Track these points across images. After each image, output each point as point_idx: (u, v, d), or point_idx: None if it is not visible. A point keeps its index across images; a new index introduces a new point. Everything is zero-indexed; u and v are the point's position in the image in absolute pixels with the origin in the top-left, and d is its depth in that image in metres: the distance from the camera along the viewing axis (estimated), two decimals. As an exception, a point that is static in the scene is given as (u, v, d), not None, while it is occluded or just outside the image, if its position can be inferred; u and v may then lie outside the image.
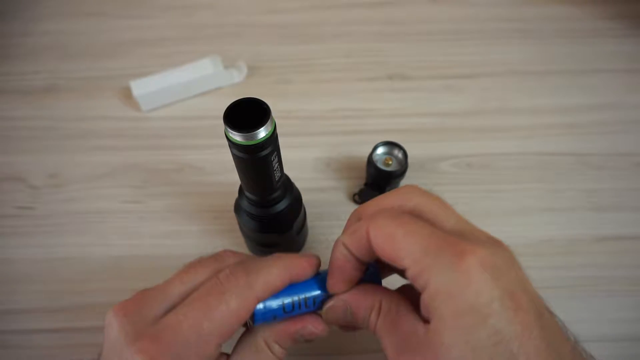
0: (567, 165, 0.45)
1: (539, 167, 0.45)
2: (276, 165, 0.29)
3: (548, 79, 0.52)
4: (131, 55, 0.55)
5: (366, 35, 0.57)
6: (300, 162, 0.45)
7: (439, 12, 0.59)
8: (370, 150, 0.41)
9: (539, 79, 0.52)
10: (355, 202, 0.42)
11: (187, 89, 0.50)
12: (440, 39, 0.56)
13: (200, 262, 0.26)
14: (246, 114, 0.26)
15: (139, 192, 0.43)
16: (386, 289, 0.25)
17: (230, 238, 0.40)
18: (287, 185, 0.34)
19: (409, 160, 0.40)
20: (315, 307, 0.26)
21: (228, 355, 0.25)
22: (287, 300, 0.25)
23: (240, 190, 0.33)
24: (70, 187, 0.44)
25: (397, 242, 0.21)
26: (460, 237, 0.21)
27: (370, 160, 0.40)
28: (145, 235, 0.41)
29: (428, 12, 0.59)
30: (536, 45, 0.55)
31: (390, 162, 0.40)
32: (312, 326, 0.25)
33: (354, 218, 0.26)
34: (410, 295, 0.23)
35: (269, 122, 0.25)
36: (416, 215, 0.23)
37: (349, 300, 0.24)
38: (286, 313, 0.25)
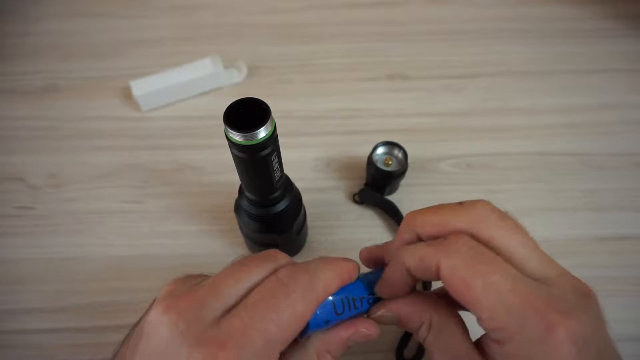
0: (567, 165, 0.45)
1: (539, 167, 0.45)
2: (276, 165, 0.29)
3: (548, 79, 0.52)
4: (131, 55, 0.55)
5: (366, 35, 0.57)
6: (300, 162, 0.45)
7: (439, 12, 0.59)
8: (370, 150, 0.41)
9: (539, 79, 0.52)
10: (355, 202, 0.42)
11: (187, 89, 0.50)
12: (440, 39, 0.56)
13: (252, 260, 0.24)
14: (246, 114, 0.25)
15: (139, 192, 0.43)
16: (438, 301, 0.24)
17: (230, 238, 0.40)
18: (287, 185, 0.34)
19: (409, 160, 0.40)
20: (363, 309, 0.25)
21: None
22: (337, 300, 0.23)
23: (240, 190, 0.33)
24: (70, 187, 0.44)
25: (475, 293, 0.20)
26: (547, 296, 0.19)
27: (370, 160, 0.40)
28: (145, 235, 0.41)
29: (428, 12, 0.59)
30: (536, 45, 0.55)
31: (390, 162, 0.40)
32: (366, 329, 0.24)
33: (409, 230, 0.24)
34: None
35: (269, 122, 0.25)
36: (494, 252, 0.21)
37: (398, 312, 0.24)
38: (338, 315, 0.23)
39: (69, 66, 0.54)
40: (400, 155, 0.41)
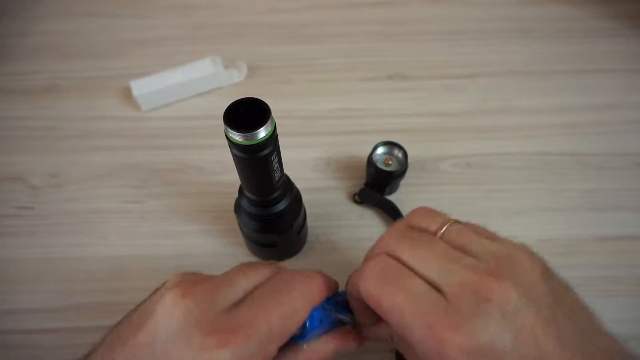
0: (567, 165, 0.45)
1: (539, 167, 0.45)
2: (276, 165, 0.29)
3: (548, 79, 0.52)
4: (131, 55, 0.55)
5: (366, 35, 0.57)
6: (300, 162, 0.45)
7: (439, 12, 0.59)
8: (370, 150, 0.41)
9: (539, 79, 0.52)
10: (355, 202, 0.42)
11: (187, 89, 0.50)
12: (440, 39, 0.56)
13: (260, 263, 0.26)
14: (246, 114, 0.25)
15: (139, 192, 0.43)
16: None
17: (230, 238, 0.40)
18: (287, 185, 0.34)
19: (409, 160, 0.40)
20: (343, 324, 0.27)
21: None
22: (328, 304, 0.26)
23: (240, 190, 0.33)
24: (70, 187, 0.44)
25: (384, 312, 0.22)
26: (441, 314, 0.20)
27: (370, 161, 0.40)
28: (145, 235, 0.41)
29: (428, 12, 0.59)
30: (536, 45, 0.55)
31: (390, 162, 0.40)
32: (354, 341, 0.27)
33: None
34: None
35: (269, 122, 0.25)
36: (407, 268, 0.22)
37: (371, 336, 0.27)
38: (329, 316, 0.26)
39: (69, 66, 0.54)
40: (400, 155, 0.41)
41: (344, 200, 0.43)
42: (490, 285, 0.20)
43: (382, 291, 0.22)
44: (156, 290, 0.24)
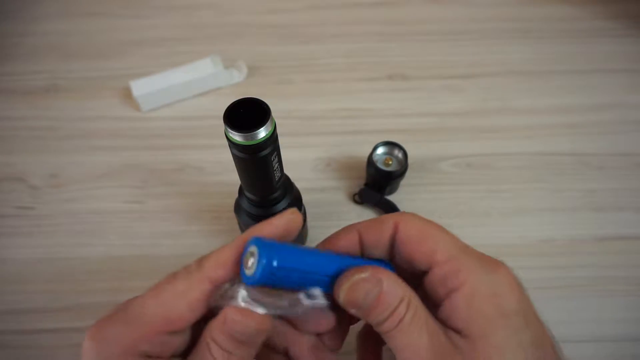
0: (567, 165, 0.45)
1: (539, 167, 0.45)
2: (276, 165, 0.29)
3: (548, 79, 0.52)
4: (131, 55, 0.55)
5: (366, 35, 0.57)
6: (300, 162, 0.45)
7: (439, 12, 0.59)
8: (370, 150, 0.41)
9: (539, 79, 0.52)
10: (356, 202, 0.42)
11: (187, 89, 0.50)
12: (440, 39, 0.56)
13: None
14: (246, 114, 0.25)
15: (139, 192, 0.43)
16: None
17: (230, 238, 0.40)
18: (287, 185, 0.33)
19: (409, 160, 0.40)
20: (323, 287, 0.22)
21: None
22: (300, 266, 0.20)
23: (240, 190, 0.33)
24: (70, 187, 0.44)
25: (431, 236, 0.21)
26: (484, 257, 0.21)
27: (370, 161, 0.40)
28: (145, 235, 0.41)
29: (428, 12, 0.59)
30: (536, 45, 0.55)
31: (390, 162, 0.40)
32: (233, 313, 0.22)
33: (347, 229, 0.24)
34: None
35: (269, 122, 0.25)
36: None
37: (384, 279, 0.21)
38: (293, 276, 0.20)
39: (69, 66, 0.54)
40: (400, 155, 0.41)
41: (344, 200, 0.43)
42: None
43: (429, 225, 0.22)
44: None
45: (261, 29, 0.58)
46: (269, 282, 0.20)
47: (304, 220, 0.38)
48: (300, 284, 0.21)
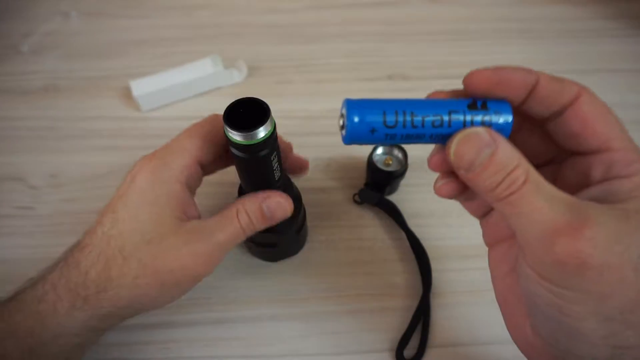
0: (567, 165, 0.45)
1: (539, 167, 0.45)
2: (276, 165, 0.29)
3: (548, 79, 0.52)
4: (131, 55, 0.55)
5: (366, 35, 0.57)
6: (300, 162, 0.45)
7: (439, 12, 0.59)
8: (370, 150, 0.41)
9: (539, 79, 0.52)
10: (355, 202, 0.42)
11: (187, 89, 0.50)
12: (440, 39, 0.56)
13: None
14: (246, 113, 0.25)
15: (139, 192, 0.43)
16: None
17: (230, 238, 0.40)
18: (287, 185, 0.33)
19: (409, 160, 0.40)
20: (425, 131, 0.21)
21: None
22: (390, 110, 0.20)
23: (240, 190, 0.33)
24: (70, 187, 0.44)
25: (612, 121, 0.21)
26: None
27: (370, 161, 0.40)
28: (145, 235, 0.41)
29: (428, 12, 0.59)
30: (536, 45, 0.55)
31: (390, 162, 0.40)
32: (279, 198, 0.29)
33: (526, 71, 0.22)
34: None
35: (268, 122, 0.25)
36: None
37: (501, 140, 0.20)
38: (388, 128, 0.20)
39: (69, 66, 0.54)
40: (400, 155, 0.41)
41: (344, 200, 0.43)
42: None
43: (606, 109, 0.21)
44: None
45: (261, 29, 0.58)
46: (363, 140, 0.21)
47: (304, 220, 0.38)
48: (406, 138, 0.21)
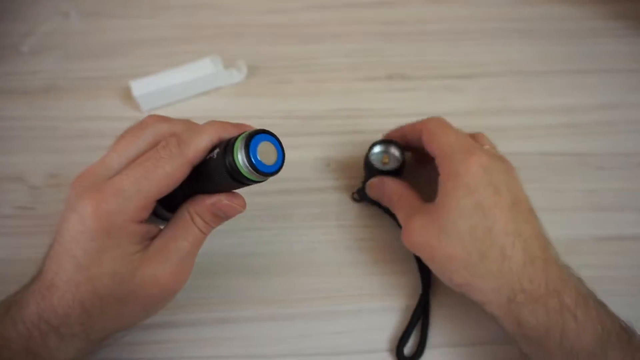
0: (568, 165, 0.45)
1: (539, 167, 0.45)
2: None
3: (548, 79, 0.52)
4: (131, 55, 0.55)
5: (366, 35, 0.57)
6: (300, 162, 0.45)
7: (439, 12, 0.59)
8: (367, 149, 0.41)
9: (539, 79, 0.52)
10: (354, 199, 0.42)
11: (187, 89, 0.50)
12: (440, 39, 0.56)
13: (128, 132, 0.30)
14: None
15: (139, 192, 0.43)
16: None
17: (230, 237, 0.40)
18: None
19: (409, 160, 0.40)
20: None
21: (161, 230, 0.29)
22: None
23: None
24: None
25: (439, 137, 0.34)
26: (476, 146, 0.33)
27: (367, 160, 0.40)
28: (145, 235, 0.41)
29: (428, 12, 0.59)
30: (536, 45, 0.55)
31: (387, 161, 0.40)
32: (226, 199, 0.29)
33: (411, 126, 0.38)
34: None
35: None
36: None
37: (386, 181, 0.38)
38: None
39: (69, 66, 0.54)
40: (396, 152, 0.40)
41: (343, 200, 0.43)
42: (504, 158, 0.35)
43: (441, 129, 0.35)
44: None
45: (261, 29, 0.58)
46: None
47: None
48: None
